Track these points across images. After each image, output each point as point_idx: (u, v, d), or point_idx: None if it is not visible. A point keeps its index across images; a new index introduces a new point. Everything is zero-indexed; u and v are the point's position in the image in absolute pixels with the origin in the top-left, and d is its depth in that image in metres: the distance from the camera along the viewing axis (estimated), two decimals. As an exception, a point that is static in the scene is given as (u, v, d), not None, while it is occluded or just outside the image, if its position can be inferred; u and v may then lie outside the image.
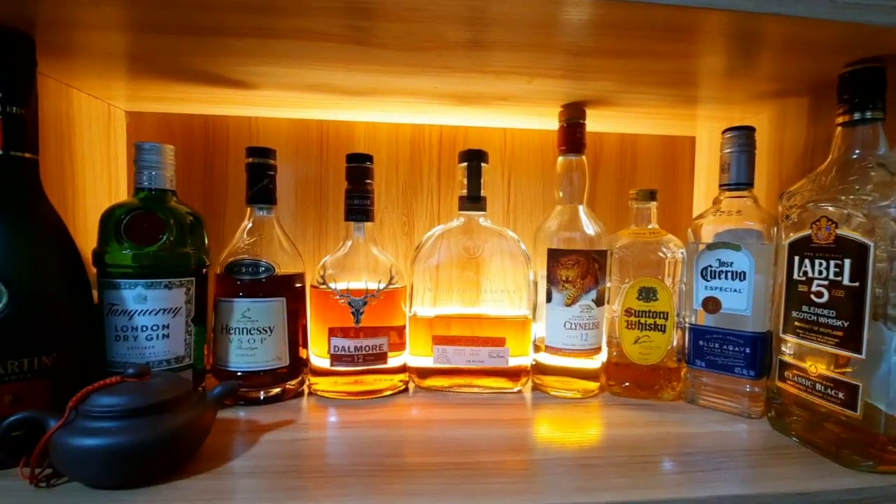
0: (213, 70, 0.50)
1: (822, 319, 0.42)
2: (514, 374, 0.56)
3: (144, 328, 0.44)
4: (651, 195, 0.57)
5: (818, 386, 0.43)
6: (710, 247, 0.52)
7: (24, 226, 0.38)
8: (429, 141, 0.70)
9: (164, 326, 0.45)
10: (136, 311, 0.44)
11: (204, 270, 0.50)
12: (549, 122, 0.66)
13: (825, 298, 0.42)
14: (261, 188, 0.53)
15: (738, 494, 0.35)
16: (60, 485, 0.34)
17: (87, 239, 0.42)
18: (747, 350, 0.50)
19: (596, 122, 0.66)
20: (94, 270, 0.45)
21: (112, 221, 0.44)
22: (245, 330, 0.50)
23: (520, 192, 0.72)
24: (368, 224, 0.57)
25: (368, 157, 0.55)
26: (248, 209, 0.54)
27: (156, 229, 0.44)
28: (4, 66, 0.38)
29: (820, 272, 0.43)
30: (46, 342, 0.37)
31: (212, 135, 0.67)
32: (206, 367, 0.51)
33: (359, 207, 0.55)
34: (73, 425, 0.34)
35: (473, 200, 0.57)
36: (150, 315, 0.44)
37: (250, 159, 0.53)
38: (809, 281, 0.44)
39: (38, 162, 0.40)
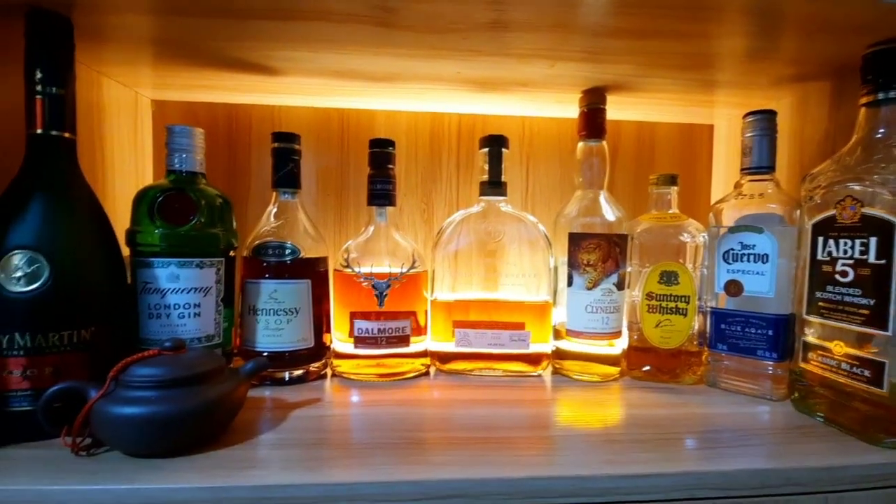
0: (238, 55, 0.51)
1: (847, 298, 0.43)
2: (534, 358, 0.57)
3: (177, 306, 0.45)
4: (672, 180, 0.57)
5: (844, 365, 0.43)
6: (733, 230, 0.52)
7: (64, 203, 0.39)
8: (448, 129, 0.70)
9: (195, 305, 0.46)
10: (169, 289, 0.45)
11: (232, 253, 0.51)
12: (567, 109, 0.67)
13: (850, 277, 0.42)
14: (286, 172, 0.54)
15: (765, 469, 0.36)
16: (101, 454, 0.35)
17: (115, 222, 0.43)
18: (770, 332, 0.50)
19: (614, 110, 0.67)
20: (127, 251, 0.46)
21: (146, 201, 0.45)
22: (272, 311, 0.51)
23: (538, 180, 0.72)
24: (390, 209, 0.57)
25: (391, 143, 0.56)
26: (274, 193, 0.55)
27: (187, 209, 0.45)
28: (45, 48, 0.39)
29: (845, 251, 0.43)
30: (85, 316, 0.38)
31: (235, 123, 0.68)
32: (233, 349, 0.52)
33: (381, 192, 0.56)
34: (114, 395, 0.35)
35: (494, 185, 0.57)
36: (182, 294, 0.45)
37: (276, 144, 0.54)
38: (834, 261, 0.44)
39: (75, 142, 0.41)
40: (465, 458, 0.36)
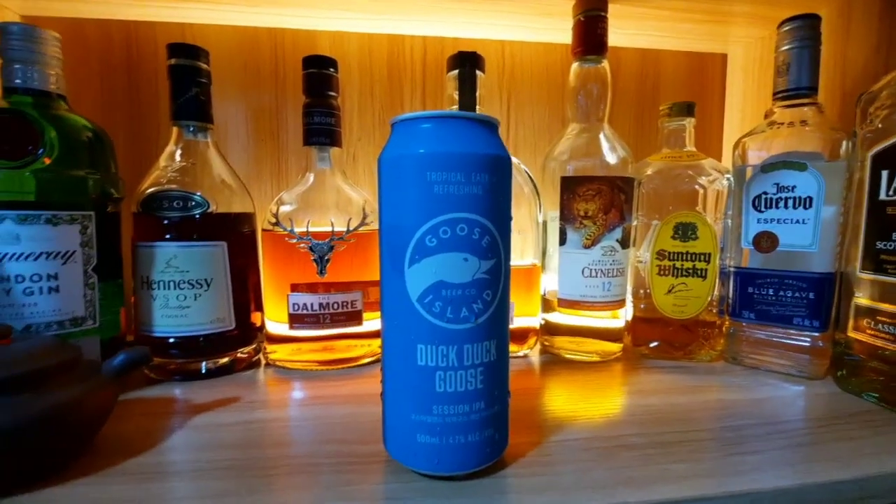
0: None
1: (928, 248, 0.33)
2: (519, 335, 0.46)
3: (20, 278, 0.32)
4: (688, 109, 0.46)
5: (919, 334, 0.33)
6: (766, 168, 0.41)
7: None
8: (410, 56, 0.57)
9: (49, 276, 0.33)
10: (6, 255, 0.32)
11: (110, 206, 0.38)
12: (557, 30, 0.54)
13: (933, 221, 0.32)
14: (189, 99, 0.40)
15: (839, 480, 0.26)
16: None
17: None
18: (811, 295, 0.40)
19: (613, 33, 0.55)
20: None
21: (-40, 128, 0.31)
22: (172, 284, 0.38)
23: (521, 120, 0.60)
24: (335, 150, 0.45)
25: (331, 62, 0.43)
26: (175, 129, 0.41)
27: (25, 139, 0.32)
28: None
29: (927, 186, 0.33)
30: None
31: (136, 47, 0.53)
32: (122, 335, 0.40)
33: (320, 127, 0.43)
34: None
35: (467, 119, 0.45)
36: (27, 261, 0.32)
37: (172, 60, 0.40)
38: (908, 200, 0.34)
39: None
40: (425, 481, 0.25)
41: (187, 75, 0.40)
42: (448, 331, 0.24)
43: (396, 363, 0.25)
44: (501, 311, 0.25)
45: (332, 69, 0.43)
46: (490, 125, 0.25)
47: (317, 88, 0.43)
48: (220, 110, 0.54)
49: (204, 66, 0.41)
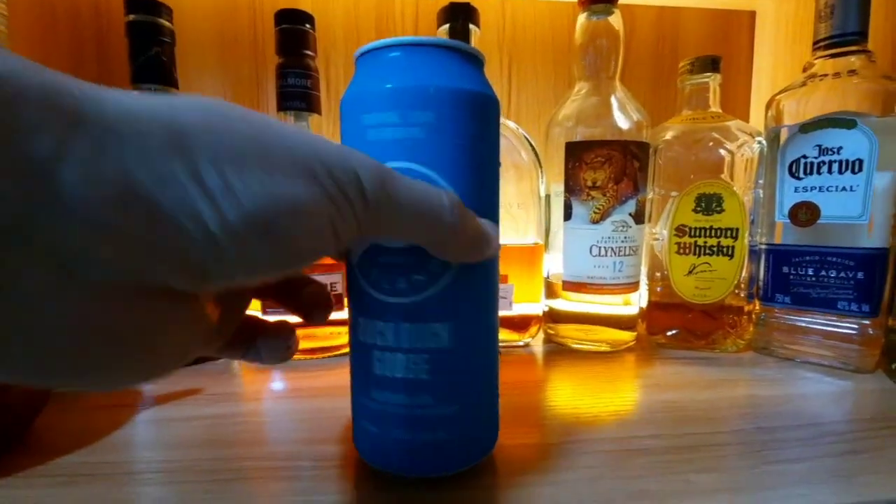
0: None
1: None
2: (519, 322, 0.41)
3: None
4: (713, 64, 0.40)
5: None
6: (806, 128, 0.36)
7: None
8: (401, 17, 0.52)
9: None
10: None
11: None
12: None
13: None
14: (148, 60, 0.36)
15: (908, 496, 0.21)
16: None
17: None
18: (860, 275, 0.35)
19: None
20: None
21: None
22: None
23: (523, 86, 0.55)
24: (315, 118, 0.41)
25: (307, 17, 0.39)
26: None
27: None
28: None
29: None
30: None
31: (105, 17, 0.49)
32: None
33: (295, 90, 0.39)
34: None
35: (459, 80, 0.40)
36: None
37: (130, 16, 0.36)
38: None
39: None
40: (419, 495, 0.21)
41: (147, 33, 0.36)
42: (383, 303, 0.20)
43: (351, 337, 0.22)
44: (463, 291, 0.20)
45: (307, 25, 0.39)
46: (443, 50, 0.19)
47: (291, 46, 0.38)
48: (196, 83, 0.50)
49: (166, 23, 0.37)
